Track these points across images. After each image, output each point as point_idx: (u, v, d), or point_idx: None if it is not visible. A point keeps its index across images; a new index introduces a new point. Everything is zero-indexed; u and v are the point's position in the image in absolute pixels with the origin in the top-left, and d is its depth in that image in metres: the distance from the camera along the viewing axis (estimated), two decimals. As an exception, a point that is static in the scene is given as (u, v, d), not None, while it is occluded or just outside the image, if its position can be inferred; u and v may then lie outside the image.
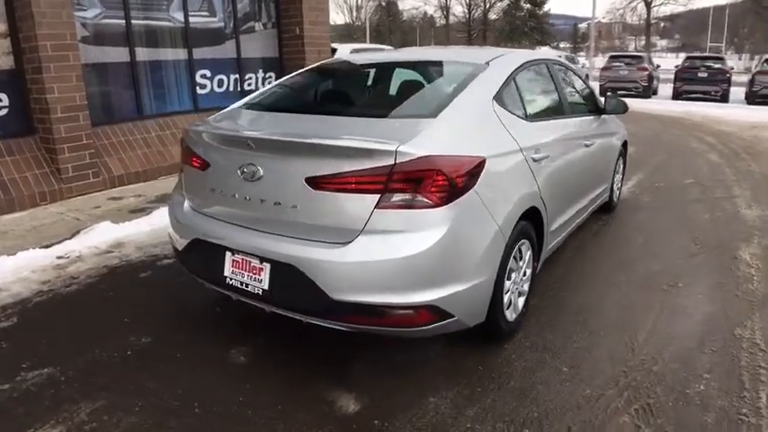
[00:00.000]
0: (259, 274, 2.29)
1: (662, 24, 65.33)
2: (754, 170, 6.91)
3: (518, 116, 2.76)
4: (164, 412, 2.24)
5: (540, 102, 3.25)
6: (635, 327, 2.95)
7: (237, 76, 7.44)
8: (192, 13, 6.66)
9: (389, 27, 63.83)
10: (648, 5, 54.29)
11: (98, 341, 2.82)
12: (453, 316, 2.20)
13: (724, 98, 17.04)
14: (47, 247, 4.09)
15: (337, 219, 2.12)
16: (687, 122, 11.75)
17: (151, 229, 4.55)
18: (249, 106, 2.98)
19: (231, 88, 7.40)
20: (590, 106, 4.06)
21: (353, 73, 3.41)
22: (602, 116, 4.16)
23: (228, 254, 2.40)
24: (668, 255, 4.01)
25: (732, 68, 18.23)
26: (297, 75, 3.38)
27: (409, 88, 2.93)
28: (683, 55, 32.31)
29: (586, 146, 3.64)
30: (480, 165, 2.22)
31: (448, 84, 2.68)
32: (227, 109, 3.07)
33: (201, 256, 2.54)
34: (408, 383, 2.44)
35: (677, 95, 17.85)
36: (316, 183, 2.13)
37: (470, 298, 2.25)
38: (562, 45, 64.92)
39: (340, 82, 3.32)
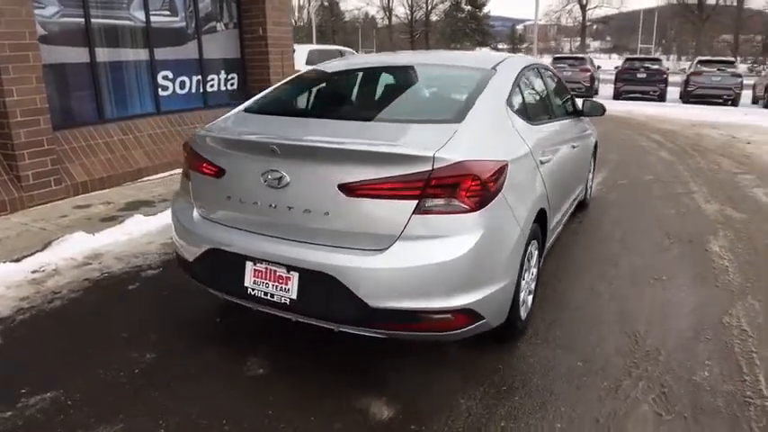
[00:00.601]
0: (286, 284, 2.24)
1: (595, 26, 68.18)
2: (703, 167, 7.35)
3: (525, 120, 2.83)
4: None
5: (538, 105, 3.35)
6: (633, 320, 3.08)
7: (200, 77, 7.23)
8: (154, 12, 6.41)
9: (332, 27, 63.51)
10: (584, 8, 56.66)
11: (98, 360, 2.67)
12: (484, 318, 2.23)
13: (661, 98, 18.00)
14: (17, 260, 3.84)
15: (373, 225, 2.10)
16: (633, 122, 12.33)
17: (128, 238, 4.36)
18: (255, 111, 2.90)
19: (193, 90, 7.18)
20: (570, 108, 4.21)
21: (361, 77, 3.38)
22: (580, 117, 4.33)
23: (249, 263, 2.33)
24: (646, 250, 4.21)
25: (668, 69, 19.28)
26: (297, 78, 3.32)
27: (423, 93, 2.94)
28: (615, 56, 33.85)
29: (573, 147, 3.77)
30: (504, 168, 2.27)
31: (462, 89, 2.71)
32: (230, 114, 2.98)
33: (217, 266, 2.45)
34: (434, 386, 2.45)
35: (618, 95, 18.69)
36: (350, 189, 2.10)
37: (499, 299, 2.29)
38: (500, 46, 66.58)
39: (350, 86, 3.29)
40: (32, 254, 3.97)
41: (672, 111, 14.47)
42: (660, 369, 2.61)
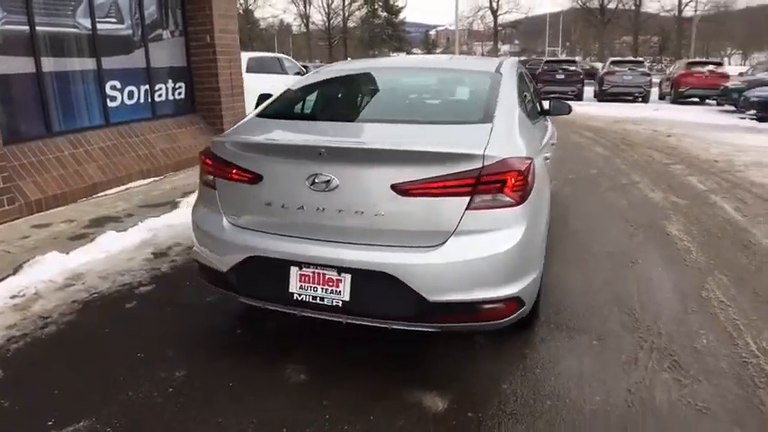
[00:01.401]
0: (337, 286, 2.27)
1: (504, 31, 71.34)
2: (638, 159, 7.99)
3: (528, 119, 3.02)
4: (255, 441, 2.15)
5: (530, 105, 3.56)
6: (626, 300, 3.36)
7: (147, 86, 6.96)
8: (100, 19, 6.11)
9: (249, 35, 62.35)
10: (495, 14, 59.19)
11: (123, 383, 2.55)
12: (525, 304, 2.38)
13: (578, 97, 19.21)
14: (-10, 286, 3.57)
15: (428, 222, 2.19)
16: (560, 120, 13.05)
17: (106, 256, 4.15)
18: (273, 116, 2.89)
19: (142, 100, 6.90)
20: (540, 108, 4.48)
21: (377, 81, 3.43)
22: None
23: (294, 269, 2.34)
24: (614, 236, 4.56)
25: (583, 70, 20.62)
26: (308, 82, 3.31)
27: (443, 95, 3.05)
28: (524, 58, 35.56)
29: (552, 144, 4.03)
30: (532, 163, 2.43)
31: (479, 91, 2.85)
32: (246, 120, 2.94)
33: (258, 274, 2.43)
34: (474, 376, 2.57)
35: (538, 95, 19.72)
36: (404, 189, 2.17)
37: (535, 286, 2.45)
38: (415, 51, 68.09)
39: (369, 89, 3.32)
40: (4, 278, 3.70)
41: (592, 109, 15.50)
42: (665, 341, 2.88)
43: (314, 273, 2.31)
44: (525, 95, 3.35)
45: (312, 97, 3.21)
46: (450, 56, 4.74)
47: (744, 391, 2.46)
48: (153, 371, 2.65)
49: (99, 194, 5.79)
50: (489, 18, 61.69)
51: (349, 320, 2.35)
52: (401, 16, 61.21)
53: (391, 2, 59.39)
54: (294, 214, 2.34)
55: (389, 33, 59.99)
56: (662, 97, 19.53)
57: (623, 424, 2.23)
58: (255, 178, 2.42)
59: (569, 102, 4.69)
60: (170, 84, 7.34)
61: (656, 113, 14.36)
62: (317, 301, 2.31)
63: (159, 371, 2.65)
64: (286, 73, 12.19)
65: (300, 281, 2.33)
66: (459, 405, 2.34)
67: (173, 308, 3.33)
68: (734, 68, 24.07)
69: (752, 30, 48.62)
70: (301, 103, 3.11)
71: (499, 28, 63.02)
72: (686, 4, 47.53)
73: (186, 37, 7.50)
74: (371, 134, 2.46)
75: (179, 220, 4.90)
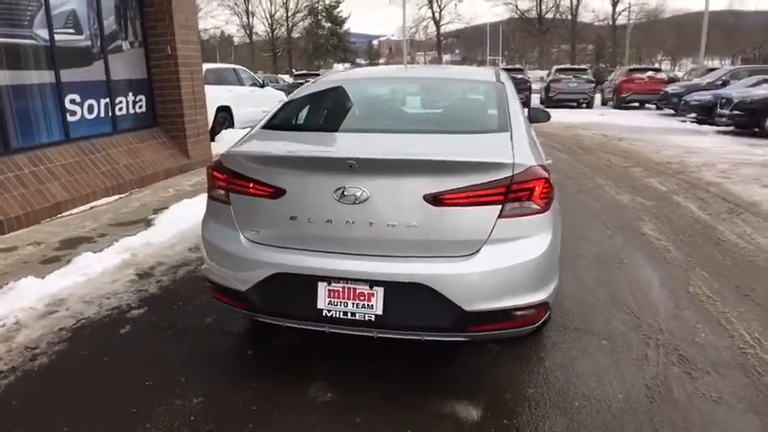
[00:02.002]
0: (369, 300, 2.24)
1: (446, 40, 72.87)
2: (597, 163, 8.32)
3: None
4: (293, 461, 2.09)
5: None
6: (622, 299, 3.48)
7: (108, 100, 6.68)
8: (58, 30, 5.82)
9: (191, 44, 60.78)
10: (438, 24, 60.42)
11: (138, 414, 2.41)
12: (550, 308, 2.43)
13: (526, 104, 19.79)
14: (-37, 317, 3.32)
15: (461, 232, 2.20)
16: (515, 126, 13.47)
17: (87, 279, 3.94)
18: (286, 128, 2.83)
19: (102, 114, 6.61)
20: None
21: (385, 91, 3.41)
22: None
23: (323, 284, 2.29)
24: (595, 238, 4.72)
25: (530, 78, 21.32)
26: (310, 93, 3.26)
27: (455, 105, 3.06)
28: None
29: None
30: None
31: (489, 100, 2.90)
32: (254, 133, 2.86)
33: (283, 292, 2.35)
34: (498, 382, 2.59)
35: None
36: (436, 199, 2.17)
37: (557, 290, 2.50)
38: (359, 61, 68.52)
39: (380, 100, 3.28)
40: (-22, 308, 3.45)
41: (542, 115, 16.01)
42: (667, 337, 3.00)
43: (344, 287, 2.27)
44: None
45: (319, 108, 3.17)
46: (442, 66, 4.78)
47: (750, 379, 2.59)
48: (167, 398, 2.52)
49: (64, 214, 5.50)
50: (432, 28, 62.95)
51: (381, 335, 2.32)
52: (345, 27, 61.51)
53: (335, 12, 59.60)
54: (322, 228, 2.29)
55: (334, 44, 60.09)
56: (604, 103, 20.44)
57: (651, 419, 2.31)
58: (277, 192, 2.35)
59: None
60: (130, 97, 7.07)
61: (603, 118, 15.01)
62: (348, 316, 2.27)
63: (174, 398, 2.53)
64: (243, 84, 11.98)
65: (329, 296, 2.29)
66: (492, 413, 2.35)
67: (173, 331, 3.19)
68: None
69: (680, 37, 51.81)
70: (309, 115, 3.07)
71: (442, 38, 64.36)
72: (619, 14, 50.21)
73: (146, 48, 7.25)
74: (395, 145, 2.45)
75: (157, 239, 4.72)
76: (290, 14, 58.95)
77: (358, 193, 2.22)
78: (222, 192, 2.56)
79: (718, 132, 11.96)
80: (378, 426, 2.29)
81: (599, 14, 52.46)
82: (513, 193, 2.19)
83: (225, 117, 10.80)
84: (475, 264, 2.18)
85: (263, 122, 2.94)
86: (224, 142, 9.66)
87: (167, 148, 7.47)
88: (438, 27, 60.93)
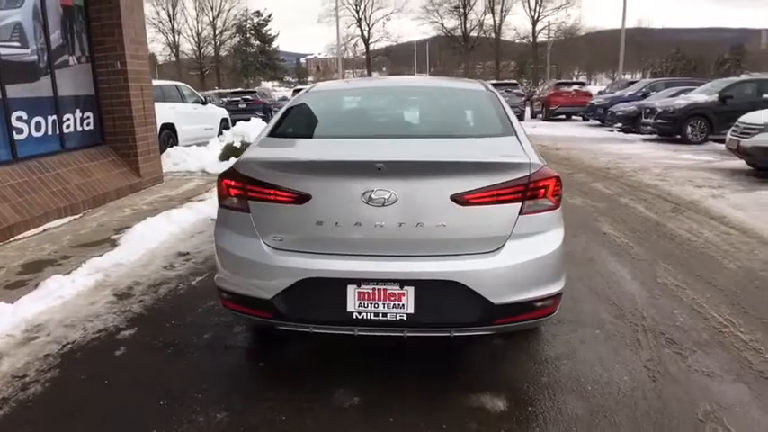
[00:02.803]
0: (399, 300, 2.30)
1: (375, 58, 74.04)
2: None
3: None
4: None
5: None
6: (603, 293, 3.72)
7: (56, 117, 6.36)
8: (2, 44, 5.51)
9: (112, 62, 58.26)
10: (367, 42, 61.30)
11: (162, 433, 2.35)
12: (561, 299, 2.59)
13: (520, 117, 20.50)
14: (-65, 349, 3.08)
15: (487, 229, 2.31)
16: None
17: (62, 302, 3.74)
18: (294, 136, 2.85)
19: (50, 132, 6.29)
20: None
21: (385, 99, 3.45)
22: None
23: (352, 287, 2.33)
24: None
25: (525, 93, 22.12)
26: (309, 102, 3.28)
27: (455, 111, 3.16)
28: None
29: None
30: None
31: (487, 107, 3.04)
32: (260, 141, 2.84)
33: (310, 297, 2.37)
34: (512, 373, 2.72)
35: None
36: (463, 199, 2.28)
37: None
38: (288, 79, 68.22)
39: (384, 109, 3.32)
40: (-51, 339, 3.21)
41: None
42: (651, 323, 3.25)
43: (374, 289, 2.32)
44: None
45: (323, 117, 3.19)
46: (427, 76, 4.94)
47: (731, 354, 2.87)
48: (189, 416, 2.45)
49: (17, 237, 5.17)
50: (361, 46, 63.74)
51: (411, 334, 2.38)
52: (274, 44, 61.18)
53: (263, 31, 59.17)
54: (350, 231, 2.34)
55: (263, 62, 59.57)
56: (534, 115, 21.49)
57: (659, 395, 2.50)
58: (302, 198, 2.37)
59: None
60: (78, 114, 6.76)
61: (536, 130, 15.77)
62: (380, 317, 2.32)
63: (196, 416, 2.46)
64: (185, 101, 11.69)
65: (359, 299, 2.33)
66: (516, 403, 2.47)
67: (172, 349, 3.10)
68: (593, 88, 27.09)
69: (595, 53, 55.45)
70: (314, 123, 3.09)
71: (371, 55, 65.31)
72: (539, 32, 53.03)
73: (93, 63, 6.98)
74: (415, 149, 2.54)
75: (127, 259, 4.55)
76: (217, 33, 57.89)
77: (386, 196, 2.28)
78: (237, 200, 2.54)
79: (644, 140, 12.91)
80: (411, 424, 2.34)
81: (520, 32, 55.24)
82: (530, 191, 2.34)
83: (169, 135, 10.50)
84: (501, 259, 2.30)
85: (267, 131, 2.94)
86: (170, 160, 9.39)
87: (117, 166, 7.18)
88: (367, 45, 61.78)
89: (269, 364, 2.93)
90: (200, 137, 11.60)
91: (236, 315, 2.72)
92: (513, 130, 2.75)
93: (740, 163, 8.54)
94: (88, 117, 6.98)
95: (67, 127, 6.57)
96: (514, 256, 2.31)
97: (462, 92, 3.51)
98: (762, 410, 2.39)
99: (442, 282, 2.28)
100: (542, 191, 2.37)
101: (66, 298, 3.82)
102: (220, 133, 12.17)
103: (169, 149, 9.79)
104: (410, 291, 2.30)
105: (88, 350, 3.14)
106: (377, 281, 2.32)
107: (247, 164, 2.53)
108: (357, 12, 60.08)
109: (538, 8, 52.38)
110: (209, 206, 6.28)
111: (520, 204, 2.33)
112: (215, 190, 7.43)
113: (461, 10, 55.22)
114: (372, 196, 2.30)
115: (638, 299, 3.60)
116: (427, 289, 2.30)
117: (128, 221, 5.71)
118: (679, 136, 11.95)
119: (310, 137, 2.92)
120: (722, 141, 10.44)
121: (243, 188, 2.51)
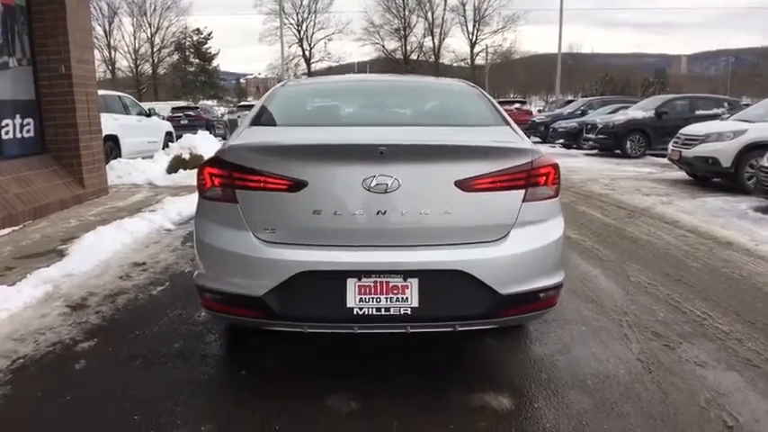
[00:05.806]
0: (403, 293, 2.17)
1: (319, 78, 74.18)
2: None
3: None
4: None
5: None
6: (581, 292, 3.73)
7: (-8, 122, 5.88)
8: (-66, 42, 5.05)
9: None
10: (308, 61, 61.34)
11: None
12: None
13: None
14: None
15: (491, 216, 2.24)
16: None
17: (8, 315, 3.38)
18: (283, 125, 2.69)
19: (-15, 138, 5.80)
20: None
21: (371, 91, 3.33)
22: None
23: (352, 281, 2.18)
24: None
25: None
26: (290, 94, 3.12)
27: (444, 103, 3.09)
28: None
29: None
30: None
31: (476, 100, 3.00)
32: (244, 130, 2.64)
33: (305, 293, 2.19)
34: (510, 372, 2.66)
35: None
36: (467, 185, 2.19)
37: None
38: (227, 98, 67.19)
39: (369, 99, 3.18)
40: None
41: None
42: (634, 318, 3.28)
43: (375, 282, 2.19)
44: None
45: (309, 107, 3.05)
46: (410, 76, 4.89)
47: (716, 345, 2.92)
48: (169, 431, 2.22)
49: (-52, 251, 4.68)
50: (303, 66, 63.67)
51: (414, 329, 2.26)
52: (214, 63, 60.12)
53: (203, 49, 58.06)
54: (349, 221, 2.19)
55: (203, 80, 58.36)
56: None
57: (658, 386, 2.49)
58: (297, 185, 2.20)
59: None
60: (18, 119, 6.27)
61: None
62: (382, 312, 2.18)
63: (176, 429, 2.23)
64: (129, 113, 11.18)
65: (360, 293, 2.19)
66: (520, 400, 2.39)
67: (141, 360, 2.83)
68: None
69: (530, 75, 57.80)
70: (301, 113, 2.94)
71: (313, 75, 65.40)
72: (477, 54, 54.79)
73: (35, 67, 6.52)
74: (415, 135, 2.44)
75: (79, 270, 4.20)
76: (155, 50, 56.32)
77: (389, 182, 2.16)
78: (221, 190, 2.34)
79: (586, 155, 13.44)
80: (417, 424, 2.22)
81: (459, 55, 56.83)
82: (533, 177, 2.30)
83: (111, 147, 9.97)
84: (506, 247, 2.24)
85: (247, 122, 2.75)
86: (114, 173, 8.91)
87: (60, 176, 6.70)
88: (309, 65, 61.80)
89: (252, 371, 2.71)
90: (144, 150, 11.09)
91: (219, 317, 2.52)
92: (506, 120, 2.73)
93: (681, 174, 9.00)
94: (28, 123, 6.49)
95: (6, 133, 6.08)
96: (520, 245, 2.26)
97: (449, 86, 3.48)
98: (759, 396, 2.42)
99: (447, 272, 2.18)
100: (543, 178, 2.33)
101: (13, 311, 3.45)
102: (165, 146, 11.69)
103: (113, 162, 9.30)
104: (414, 283, 2.19)
105: (43, 364, 2.82)
106: (379, 273, 2.18)
107: (234, 150, 2.34)
108: (299, 32, 60.20)
109: (476, 32, 54.23)
110: (161, 217, 5.96)
111: (523, 191, 2.28)
112: (166, 201, 7.16)
113: (402, 32, 56.40)
114: (373, 183, 2.16)
115: (616, 296, 3.65)
116: (432, 280, 2.19)
117: (75, 232, 5.30)
118: (619, 150, 12.52)
119: (301, 125, 2.76)
120: (659, 155, 11.03)
121: (229, 176, 2.30)
